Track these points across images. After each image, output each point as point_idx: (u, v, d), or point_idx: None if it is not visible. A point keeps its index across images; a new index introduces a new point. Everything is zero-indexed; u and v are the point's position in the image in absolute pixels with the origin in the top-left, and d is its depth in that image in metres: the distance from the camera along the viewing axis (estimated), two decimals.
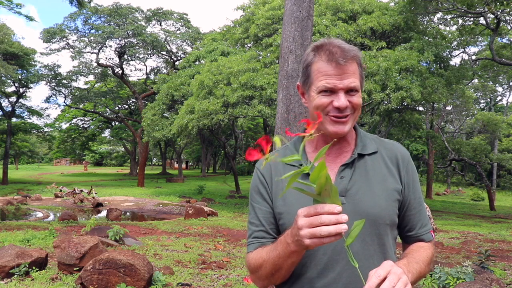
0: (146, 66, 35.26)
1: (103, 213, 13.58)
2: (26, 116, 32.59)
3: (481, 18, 15.81)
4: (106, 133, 47.66)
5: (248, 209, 1.29)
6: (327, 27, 14.14)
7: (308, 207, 0.92)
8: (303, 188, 0.94)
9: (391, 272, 0.90)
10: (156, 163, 68.37)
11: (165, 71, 33.41)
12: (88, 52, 30.14)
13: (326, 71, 1.11)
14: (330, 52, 1.10)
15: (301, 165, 1.09)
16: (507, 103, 35.12)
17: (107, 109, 37.44)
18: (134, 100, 36.87)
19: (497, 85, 31.23)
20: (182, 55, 30.68)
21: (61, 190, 20.05)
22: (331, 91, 1.11)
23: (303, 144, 0.96)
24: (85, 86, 35.42)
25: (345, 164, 1.17)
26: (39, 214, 13.49)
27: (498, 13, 14.52)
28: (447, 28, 19.56)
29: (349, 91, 1.11)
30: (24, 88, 28.97)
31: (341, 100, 1.10)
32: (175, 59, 31.70)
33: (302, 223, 0.91)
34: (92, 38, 28.73)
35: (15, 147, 37.76)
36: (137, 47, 29.96)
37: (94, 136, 43.60)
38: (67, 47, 29.46)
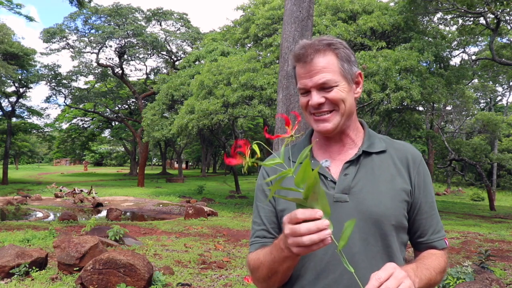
0: (146, 66, 35.33)
1: (103, 213, 13.58)
2: (26, 116, 32.65)
3: (481, 18, 15.81)
4: (106, 133, 47.69)
5: (248, 209, 1.30)
6: (327, 27, 14.13)
7: (290, 214, 0.87)
8: (289, 192, 0.89)
9: (392, 275, 0.86)
10: (156, 163, 68.37)
11: (165, 71, 33.41)
12: (88, 52, 30.17)
13: (300, 72, 1.12)
14: (300, 54, 1.11)
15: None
16: (507, 103, 35.12)
17: (107, 109, 37.44)
18: (134, 100, 36.87)
19: (497, 85, 31.24)
20: (182, 55, 30.68)
21: (61, 190, 20.05)
22: (307, 91, 1.12)
23: (284, 146, 0.94)
24: (85, 86, 35.43)
25: (350, 161, 1.13)
26: (39, 214, 13.49)
27: (498, 13, 14.52)
28: (447, 28, 19.57)
29: (323, 87, 1.09)
30: (24, 88, 28.98)
31: (313, 98, 1.09)
32: (175, 59, 31.70)
33: (287, 231, 0.88)
34: (92, 38, 28.73)
35: (15, 147, 37.79)
36: (137, 47, 29.97)
37: (94, 136, 43.60)
38: (67, 47, 29.48)
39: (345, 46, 1.13)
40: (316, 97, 1.09)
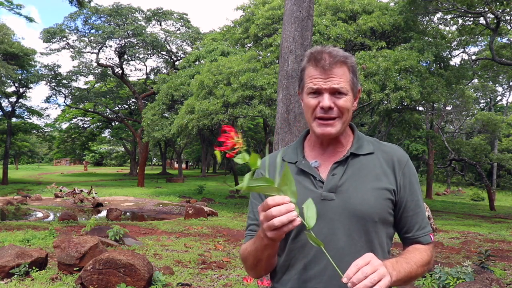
0: (146, 66, 35.31)
1: (103, 213, 13.58)
2: (26, 116, 32.59)
3: (481, 18, 15.81)
4: (106, 133, 47.67)
5: (247, 209, 1.36)
6: (327, 27, 14.12)
7: (263, 203, 0.99)
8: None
9: (370, 263, 0.97)
10: (156, 163, 68.34)
11: (165, 71, 33.41)
12: (88, 52, 30.16)
13: (314, 75, 1.18)
14: (317, 58, 1.18)
15: (296, 162, 1.25)
16: (507, 103, 35.10)
17: (107, 109, 37.43)
18: (134, 100, 36.87)
19: (497, 85, 31.20)
20: (182, 55, 30.67)
21: (61, 190, 20.04)
22: (318, 93, 1.18)
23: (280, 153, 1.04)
24: (85, 86, 35.42)
25: (338, 162, 1.22)
26: (39, 214, 13.49)
27: (498, 13, 14.51)
28: (447, 28, 19.56)
29: (336, 93, 1.17)
30: (24, 88, 28.96)
31: (325, 100, 1.16)
32: (175, 59, 31.70)
33: (261, 218, 1.00)
34: (92, 38, 28.73)
35: (15, 147, 37.75)
36: (137, 47, 29.96)
37: (94, 136, 43.60)
38: (67, 47, 29.46)
39: (354, 62, 1.23)
40: (329, 100, 1.17)
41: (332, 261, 1.02)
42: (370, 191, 1.17)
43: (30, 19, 20.62)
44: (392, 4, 17.20)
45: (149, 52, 31.05)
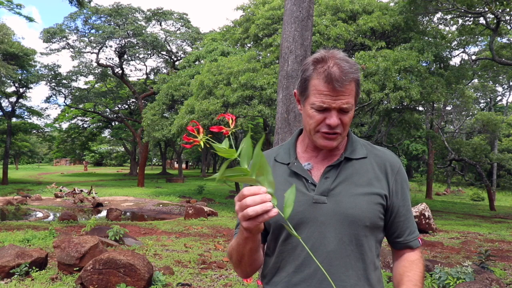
0: (146, 66, 35.32)
1: (103, 213, 13.58)
2: (26, 116, 32.61)
3: (481, 18, 15.81)
4: (106, 133, 47.66)
5: None
6: (327, 27, 14.12)
7: (239, 193, 0.96)
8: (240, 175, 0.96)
9: None
10: (156, 163, 68.36)
11: (165, 71, 33.41)
12: (88, 52, 30.18)
13: (323, 90, 1.13)
14: (329, 73, 1.12)
15: (288, 163, 1.23)
16: (507, 103, 35.06)
17: (107, 109, 37.42)
18: (134, 100, 36.87)
19: (497, 85, 31.21)
20: (182, 55, 30.68)
21: (61, 190, 20.04)
22: (326, 109, 1.15)
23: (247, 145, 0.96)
24: (85, 86, 35.43)
25: (331, 166, 1.21)
26: (39, 214, 13.49)
27: (498, 13, 14.51)
28: (447, 28, 19.56)
29: (342, 110, 1.15)
30: (24, 88, 28.97)
31: (333, 118, 1.14)
32: (175, 59, 31.70)
33: (236, 208, 0.97)
34: (92, 38, 28.74)
35: (15, 147, 37.75)
36: (137, 47, 29.96)
37: (94, 136, 43.60)
38: (67, 47, 29.48)
39: (359, 72, 1.20)
40: (336, 118, 1.14)
41: (320, 265, 1.01)
42: (362, 195, 1.17)
43: (30, 19, 20.60)
44: (392, 4, 17.20)
45: (149, 52, 31.05)
